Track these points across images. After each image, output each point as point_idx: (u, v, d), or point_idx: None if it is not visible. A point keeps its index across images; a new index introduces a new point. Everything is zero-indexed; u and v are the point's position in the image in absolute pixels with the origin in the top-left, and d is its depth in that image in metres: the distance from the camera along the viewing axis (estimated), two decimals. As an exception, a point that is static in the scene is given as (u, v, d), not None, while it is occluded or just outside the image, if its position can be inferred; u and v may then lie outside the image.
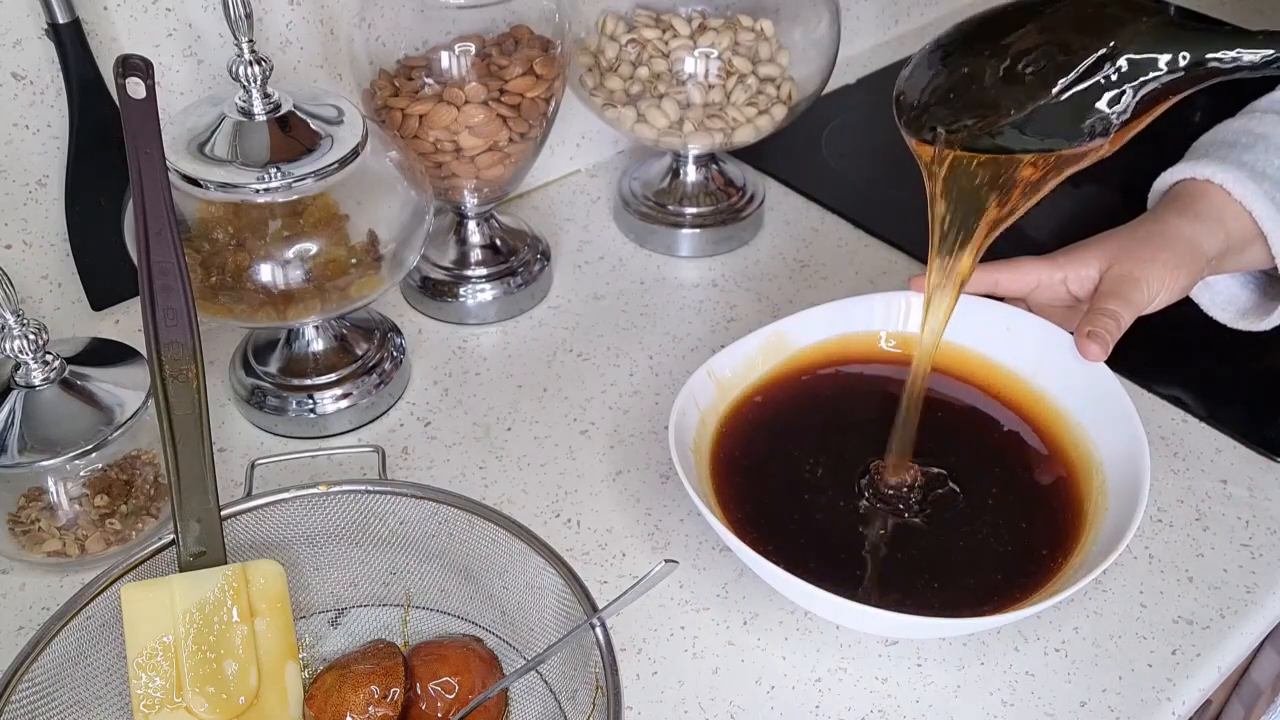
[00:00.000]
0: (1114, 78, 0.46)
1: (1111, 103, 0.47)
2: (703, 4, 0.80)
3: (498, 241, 0.82)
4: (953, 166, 0.52)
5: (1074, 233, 0.69)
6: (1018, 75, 0.47)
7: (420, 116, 0.70)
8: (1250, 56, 0.45)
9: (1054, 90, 0.47)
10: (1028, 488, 0.64)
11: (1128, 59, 0.46)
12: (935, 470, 0.64)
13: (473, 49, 0.70)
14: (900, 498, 0.63)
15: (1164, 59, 0.46)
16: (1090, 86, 0.47)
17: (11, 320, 0.58)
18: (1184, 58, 0.46)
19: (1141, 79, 0.46)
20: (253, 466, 0.60)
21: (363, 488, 0.56)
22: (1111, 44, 0.46)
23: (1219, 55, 0.45)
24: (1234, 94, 0.84)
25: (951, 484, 0.64)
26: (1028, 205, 0.53)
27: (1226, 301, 0.74)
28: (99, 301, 0.73)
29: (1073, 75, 0.46)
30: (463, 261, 0.81)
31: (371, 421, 0.73)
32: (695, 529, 0.65)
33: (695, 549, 0.64)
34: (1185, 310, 0.69)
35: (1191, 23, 0.47)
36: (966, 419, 0.68)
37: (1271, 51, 0.45)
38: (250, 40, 0.60)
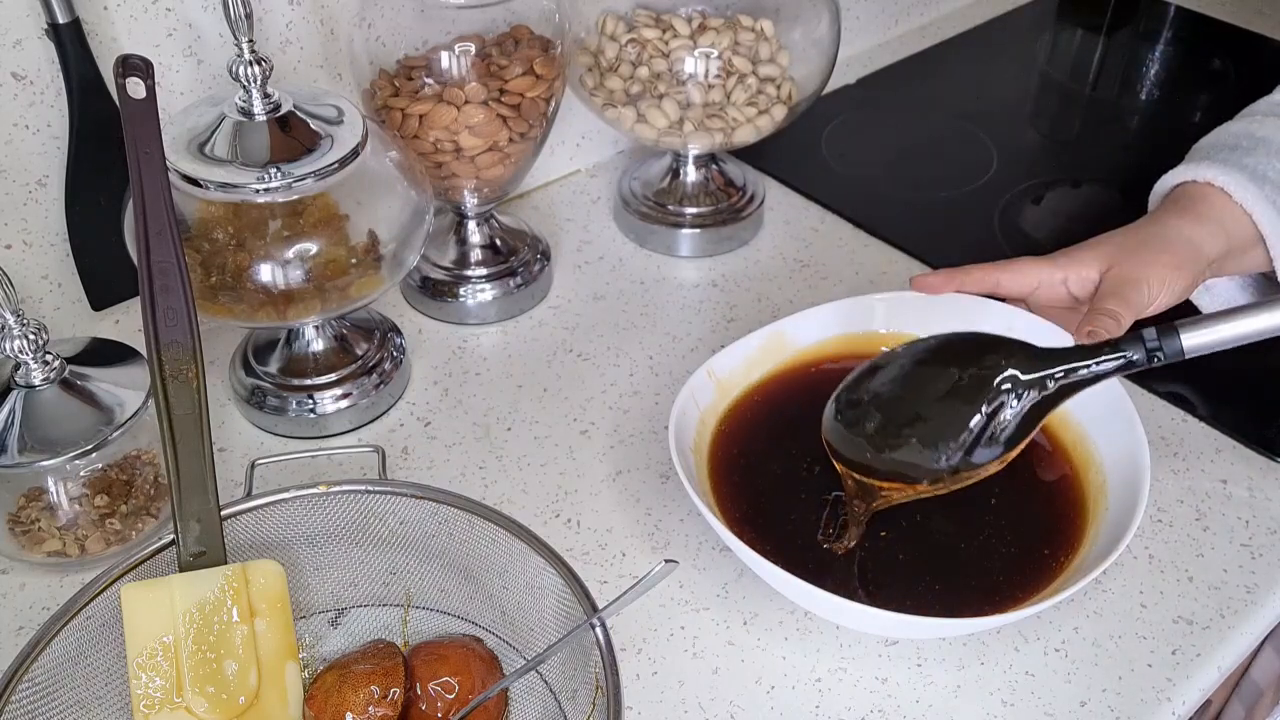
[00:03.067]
0: (1001, 409, 0.55)
1: (997, 432, 0.56)
2: (703, 4, 0.80)
3: (498, 241, 0.82)
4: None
5: (1075, 234, 0.69)
6: (929, 428, 0.56)
7: (420, 116, 0.70)
8: (1104, 366, 0.56)
9: (961, 436, 0.55)
10: (1028, 488, 0.64)
11: (1014, 394, 0.55)
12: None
13: (473, 49, 0.70)
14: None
15: (1036, 383, 0.55)
16: (987, 424, 0.56)
17: (11, 320, 0.58)
18: (1054, 379, 0.55)
19: (1021, 402, 0.55)
20: (253, 466, 0.60)
21: (363, 488, 0.56)
22: (995, 386, 0.55)
23: (1078, 368, 0.55)
24: (1233, 96, 0.84)
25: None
26: None
27: (1225, 304, 0.74)
28: (99, 301, 0.73)
29: (977, 420, 0.55)
30: (463, 261, 0.81)
31: (371, 421, 0.73)
32: (695, 529, 0.65)
33: (695, 549, 0.64)
34: (1185, 311, 0.69)
35: (1048, 350, 0.56)
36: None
37: (1120, 356, 0.56)
38: (250, 40, 0.60)
